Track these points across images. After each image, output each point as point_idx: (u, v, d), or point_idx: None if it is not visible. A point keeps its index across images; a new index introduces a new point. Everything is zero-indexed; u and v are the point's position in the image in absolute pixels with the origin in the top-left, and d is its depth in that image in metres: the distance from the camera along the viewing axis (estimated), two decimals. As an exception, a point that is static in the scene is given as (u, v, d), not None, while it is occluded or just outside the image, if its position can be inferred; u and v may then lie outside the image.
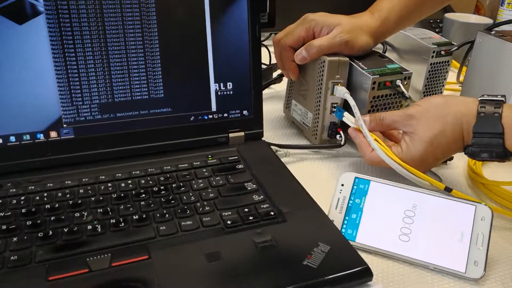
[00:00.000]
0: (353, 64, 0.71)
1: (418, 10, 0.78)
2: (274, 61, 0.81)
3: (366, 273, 0.46)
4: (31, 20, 0.56)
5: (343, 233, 0.53)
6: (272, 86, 0.97)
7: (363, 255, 0.47)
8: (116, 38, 0.59)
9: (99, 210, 0.53)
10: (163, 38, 0.61)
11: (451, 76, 0.97)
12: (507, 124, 0.56)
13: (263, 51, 1.00)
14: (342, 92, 0.69)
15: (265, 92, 0.97)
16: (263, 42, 1.09)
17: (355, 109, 0.66)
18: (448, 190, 0.58)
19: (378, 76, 0.68)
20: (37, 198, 0.54)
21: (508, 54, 0.75)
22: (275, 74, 0.96)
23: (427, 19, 1.24)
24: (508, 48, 0.75)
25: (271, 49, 0.81)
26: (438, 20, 1.26)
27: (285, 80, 0.86)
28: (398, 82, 0.70)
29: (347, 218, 0.56)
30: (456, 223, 0.54)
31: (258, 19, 0.65)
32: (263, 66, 0.95)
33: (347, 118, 0.69)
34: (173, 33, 0.62)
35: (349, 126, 0.68)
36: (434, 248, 0.52)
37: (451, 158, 0.71)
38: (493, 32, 0.80)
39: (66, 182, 0.57)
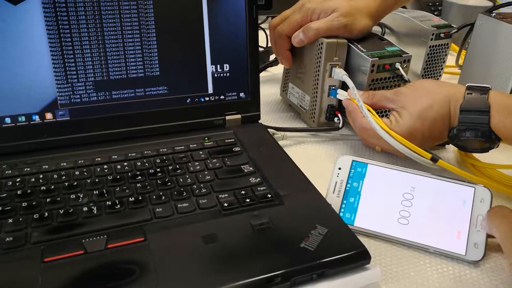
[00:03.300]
0: (352, 46, 0.70)
1: None
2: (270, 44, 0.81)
3: (364, 256, 0.45)
4: (26, 0, 0.55)
5: (341, 217, 0.53)
6: (268, 69, 0.97)
7: (362, 239, 0.47)
8: (112, 18, 0.58)
9: (94, 192, 0.52)
10: (159, 18, 0.61)
11: (450, 59, 0.97)
12: (494, 102, 0.57)
13: (260, 34, 0.99)
14: (340, 74, 0.68)
15: (262, 75, 0.96)
16: (260, 25, 1.08)
17: (354, 91, 0.66)
18: (434, 160, 0.58)
19: (377, 58, 0.68)
20: (33, 179, 0.54)
21: (508, 36, 0.74)
22: (272, 57, 0.95)
23: (426, 1, 1.23)
24: (508, 30, 0.74)
25: (268, 32, 0.80)
26: (437, 3, 1.25)
27: (282, 63, 0.85)
28: (398, 65, 0.69)
29: (345, 201, 0.56)
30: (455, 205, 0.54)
31: (255, 0, 0.64)
32: (260, 49, 0.94)
33: (341, 94, 0.69)
34: (169, 13, 0.61)
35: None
36: (434, 231, 0.52)
37: (449, 142, 0.71)
38: (493, 14, 0.79)
39: (62, 164, 0.57)
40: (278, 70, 0.96)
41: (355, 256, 0.45)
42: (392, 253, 0.52)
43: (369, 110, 0.64)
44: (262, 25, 1.11)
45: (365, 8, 0.72)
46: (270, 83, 0.93)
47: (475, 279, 0.49)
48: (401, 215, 0.54)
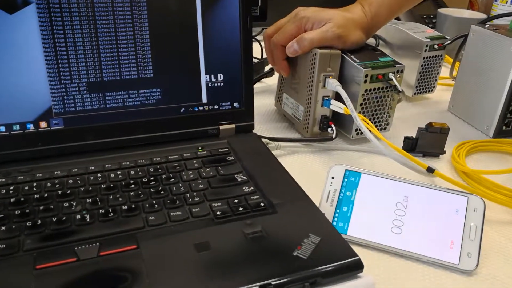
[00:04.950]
0: (345, 57, 0.71)
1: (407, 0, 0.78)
2: (265, 55, 0.81)
3: (357, 265, 0.45)
4: (21, 10, 0.55)
5: (334, 226, 0.53)
6: (263, 80, 0.97)
7: (355, 248, 0.47)
8: (107, 29, 0.59)
9: (88, 200, 0.52)
10: (153, 30, 0.61)
11: (445, 71, 0.97)
12: None
13: (255, 45, 1.00)
14: (333, 84, 0.69)
15: (257, 86, 0.96)
16: (255, 37, 1.09)
17: (348, 101, 0.66)
18: (430, 171, 0.59)
19: (370, 69, 0.68)
20: (26, 188, 0.54)
21: (501, 47, 0.75)
22: (266, 68, 0.96)
23: (420, 14, 1.24)
24: (501, 41, 0.75)
25: (263, 43, 0.81)
26: (432, 16, 1.26)
27: (276, 74, 0.86)
28: (391, 75, 0.70)
29: (338, 211, 0.56)
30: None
31: (249, 10, 0.65)
32: (255, 60, 0.95)
33: (334, 105, 0.69)
34: (164, 24, 0.61)
35: (339, 119, 0.68)
36: (427, 240, 0.52)
37: (444, 152, 0.71)
38: (486, 26, 0.79)
39: (56, 172, 0.57)
40: (272, 81, 0.96)
41: (348, 265, 0.45)
42: (385, 262, 0.52)
43: (364, 120, 0.65)
44: (258, 37, 1.12)
45: (358, 20, 0.73)
46: (264, 94, 0.94)
47: (468, 289, 0.49)
48: (394, 224, 0.54)
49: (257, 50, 1.02)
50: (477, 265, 0.50)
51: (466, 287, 0.49)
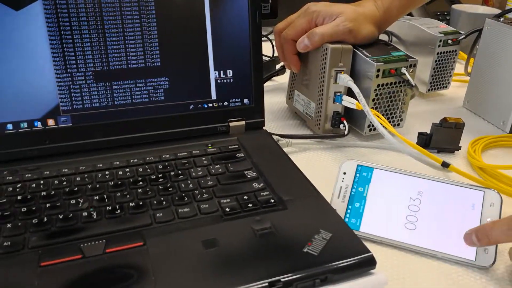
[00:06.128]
0: (357, 51, 0.69)
1: None
2: (277, 53, 0.80)
3: (369, 261, 0.44)
4: (28, 6, 0.55)
5: (346, 223, 0.51)
6: (274, 78, 0.96)
7: (368, 245, 0.46)
8: (114, 28, 0.58)
9: (95, 198, 0.52)
10: (161, 26, 0.60)
11: (459, 68, 0.95)
12: None
13: (267, 44, 0.99)
14: (345, 80, 0.67)
15: (268, 84, 0.95)
16: (267, 36, 1.08)
17: (360, 96, 0.65)
18: (445, 165, 0.57)
19: (382, 63, 0.67)
20: (33, 185, 0.53)
21: (516, 41, 0.73)
22: (278, 67, 0.95)
23: (433, 11, 1.22)
24: (517, 35, 0.73)
25: (274, 42, 0.80)
26: (446, 13, 1.24)
27: (287, 72, 0.85)
28: (404, 70, 0.68)
29: (350, 207, 0.54)
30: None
31: (258, 5, 0.64)
32: (266, 59, 0.94)
33: (346, 100, 0.68)
34: (172, 19, 0.61)
35: (352, 115, 0.67)
36: (442, 236, 0.51)
37: (459, 148, 0.69)
38: (501, 19, 0.78)
39: (63, 170, 0.56)
40: (283, 79, 0.95)
41: (360, 262, 0.44)
42: (399, 259, 0.50)
43: (376, 115, 0.63)
44: (270, 36, 1.11)
45: (370, 14, 0.71)
46: (276, 92, 0.92)
47: (485, 286, 0.47)
48: (408, 220, 0.52)
49: (268, 49, 1.01)
50: (494, 261, 0.49)
51: (483, 284, 0.47)
